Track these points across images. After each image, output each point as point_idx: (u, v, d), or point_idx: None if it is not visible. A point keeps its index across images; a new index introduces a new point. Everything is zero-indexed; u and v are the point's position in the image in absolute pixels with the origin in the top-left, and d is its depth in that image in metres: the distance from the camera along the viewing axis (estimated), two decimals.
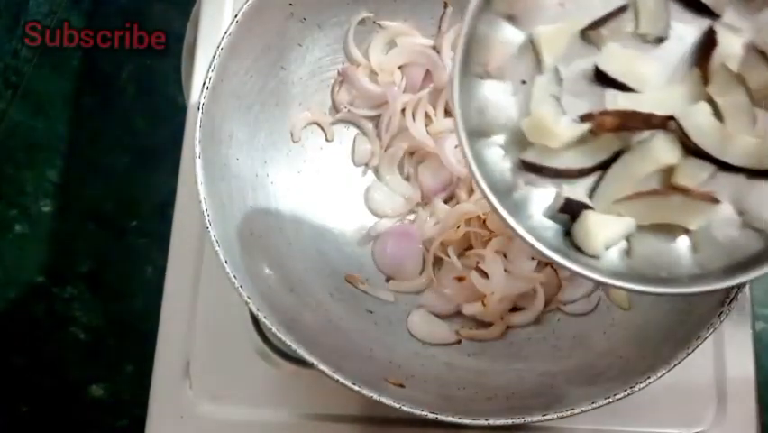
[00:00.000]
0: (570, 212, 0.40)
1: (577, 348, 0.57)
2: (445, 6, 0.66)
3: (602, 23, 0.41)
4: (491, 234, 0.62)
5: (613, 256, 0.40)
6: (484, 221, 0.61)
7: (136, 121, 1.07)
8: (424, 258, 0.64)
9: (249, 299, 0.48)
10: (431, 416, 0.46)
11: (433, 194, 0.65)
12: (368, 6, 0.64)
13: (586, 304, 0.61)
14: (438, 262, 0.64)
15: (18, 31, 1.10)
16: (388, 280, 0.64)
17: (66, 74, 1.09)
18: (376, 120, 0.68)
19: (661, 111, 0.39)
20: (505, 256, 0.62)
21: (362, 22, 0.65)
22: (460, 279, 0.62)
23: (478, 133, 0.41)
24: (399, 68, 0.67)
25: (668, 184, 0.40)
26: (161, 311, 0.66)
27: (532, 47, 0.42)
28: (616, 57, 0.41)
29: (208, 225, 0.49)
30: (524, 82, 0.42)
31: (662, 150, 0.39)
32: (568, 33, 0.41)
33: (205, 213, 0.50)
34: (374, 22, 0.65)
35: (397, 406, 0.46)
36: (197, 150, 0.51)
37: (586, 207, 0.40)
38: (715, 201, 0.39)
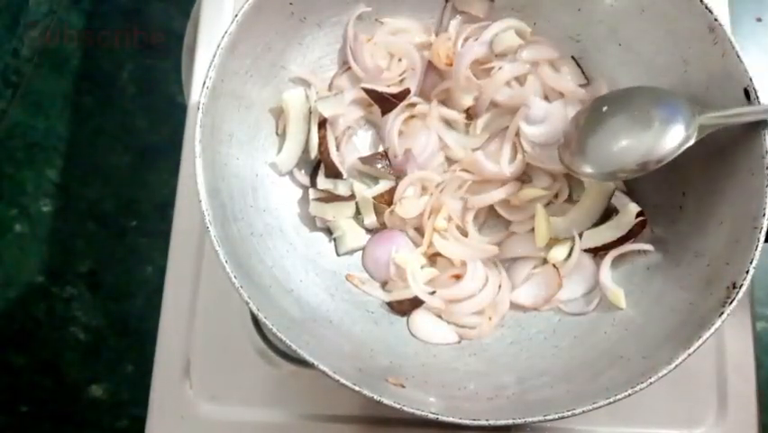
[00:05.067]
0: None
1: (578, 348, 0.57)
2: (447, 0, 0.66)
3: None
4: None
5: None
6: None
7: (136, 121, 1.07)
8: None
9: (249, 299, 0.48)
10: (432, 416, 0.46)
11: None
12: (368, 4, 0.64)
13: (587, 304, 0.61)
14: (433, 260, 0.64)
15: (18, 30, 1.10)
16: (384, 285, 0.64)
17: (66, 74, 1.09)
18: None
19: None
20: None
21: (360, 17, 0.65)
22: (456, 276, 0.62)
23: None
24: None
25: None
26: (161, 311, 0.66)
27: None
28: None
29: (208, 225, 0.49)
30: None
31: None
32: None
33: (206, 213, 0.49)
34: (375, 19, 0.65)
35: (398, 406, 0.46)
36: (198, 149, 0.51)
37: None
38: None
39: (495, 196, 0.63)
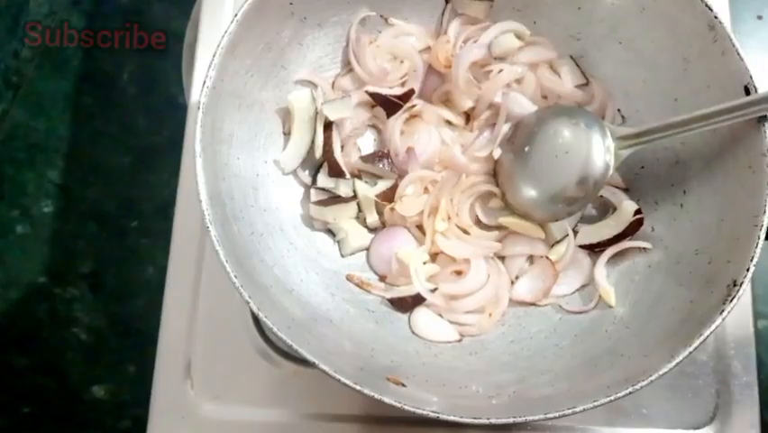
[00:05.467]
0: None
1: (578, 347, 0.57)
2: (447, 1, 0.66)
3: None
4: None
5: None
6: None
7: (137, 121, 1.06)
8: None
9: (250, 298, 0.48)
10: (433, 415, 0.46)
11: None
12: (369, 5, 0.64)
13: (586, 302, 0.61)
14: (434, 256, 0.64)
15: (18, 31, 1.10)
16: (382, 279, 0.64)
17: (66, 74, 1.09)
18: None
19: None
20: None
21: (363, 21, 0.65)
22: (458, 272, 0.62)
23: None
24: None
25: None
26: (163, 311, 0.66)
27: None
28: None
29: (209, 225, 0.49)
30: None
31: None
32: None
33: (206, 213, 0.49)
34: (380, 16, 0.65)
35: (399, 405, 0.46)
36: (198, 149, 0.51)
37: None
38: None
39: (479, 189, 0.64)
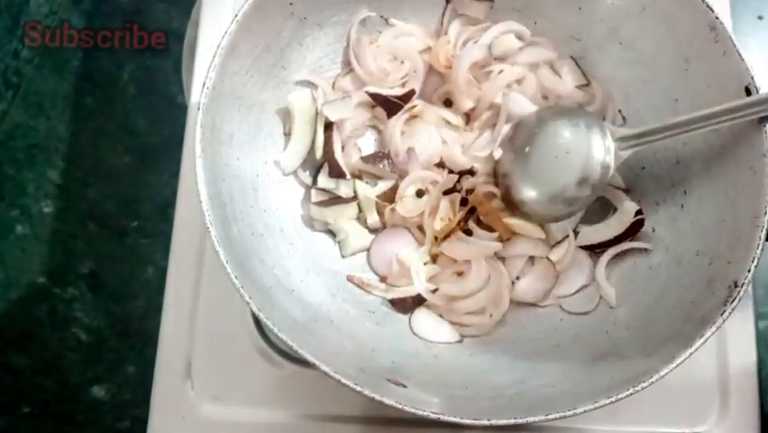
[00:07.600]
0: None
1: (579, 347, 0.57)
2: (447, 2, 0.66)
3: None
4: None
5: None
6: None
7: (136, 121, 1.07)
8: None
9: (250, 299, 0.48)
10: (433, 416, 0.46)
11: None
12: (369, 5, 0.64)
13: (587, 303, 0.61)
14: (434, 257, 0.64)
15: (18, 31, 1.10)
16: (382, 280, 0.64)
17: (66, 74, 1.09)
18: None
19: None
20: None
21: (363, 21, 0.65)
22: (459, 273, 0.62)
23: None
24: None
25: None
26: (163, 312, 0.66)
27: None
28: None
29: (209, 226, 0.49)
30: None
31: None
32: None
33: (206, 213, 0.49)
34: (381, 16, 0.65)
35: (400, 407, 0.46)
36: (198, 150, 0.51)
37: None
38: None
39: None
